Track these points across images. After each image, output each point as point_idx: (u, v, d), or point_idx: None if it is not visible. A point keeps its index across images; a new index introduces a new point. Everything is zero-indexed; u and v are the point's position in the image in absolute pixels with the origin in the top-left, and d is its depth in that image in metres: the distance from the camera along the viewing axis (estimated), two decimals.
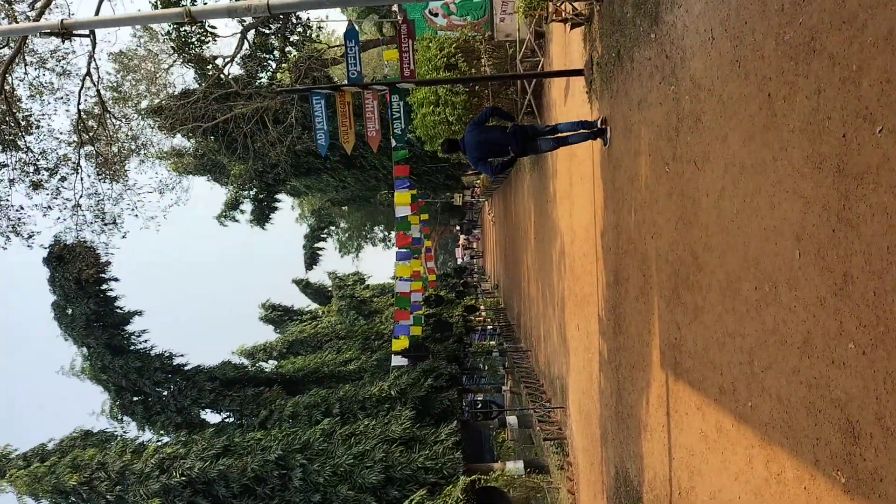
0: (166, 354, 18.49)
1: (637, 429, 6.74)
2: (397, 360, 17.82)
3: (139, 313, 18.56)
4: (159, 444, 15.36)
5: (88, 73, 16.80)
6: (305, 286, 38.22)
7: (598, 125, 7.41)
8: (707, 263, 4.63)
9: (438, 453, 14.46)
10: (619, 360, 7.36)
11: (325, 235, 43.45)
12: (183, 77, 23.54)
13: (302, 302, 38.39)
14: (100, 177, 17.91)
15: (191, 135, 19.39)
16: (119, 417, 18.31)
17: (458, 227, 65.29)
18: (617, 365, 7.45)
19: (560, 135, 7.65)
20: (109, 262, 17.38)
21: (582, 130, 7.57)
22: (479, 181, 38.19)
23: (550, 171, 12.45)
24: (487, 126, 7.57)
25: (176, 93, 19.66)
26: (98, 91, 16.20)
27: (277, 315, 34.50)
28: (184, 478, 13.93)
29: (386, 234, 58.75)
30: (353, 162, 22.30)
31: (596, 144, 8.08)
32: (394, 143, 12.28)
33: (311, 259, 41.20)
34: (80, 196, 16.49)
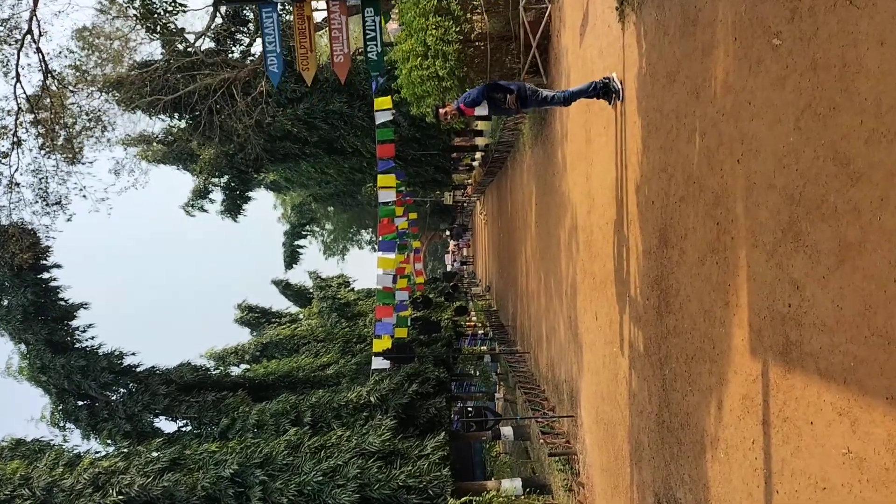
0: (115, 353, 16.30)
1: (697, 444, 4.80)
2: (378, 363, 15.89)
3: (85, 306, 16.38)
4: (97, 456, 13.19)
5: (30, 31, 14.78)
6: (285, 287, 35.96)
7: (605, 80, 6.67)
8: (876, 164, 2.72)
9: (423, 469, 12.44)
10: (665, 350, 5.43)
11: (306, 232, 41.21)
12: (152, 56, 21.72)
13: (282, 304, 36.21)
14: (44, 152, 15.82)
15: (151, 110, 17.41)
16: (61, 424, 16.11)
17: (447, 233, 63.48)
18: (662, 357, 5.52)
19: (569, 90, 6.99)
20: (49, 247, 15.27)
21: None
22: (470, 179, 36.34)
23: (559, 136, 10.58)
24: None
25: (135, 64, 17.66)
26: (39, 49, 14.18)
27: (254, 317, 32.28)
28: (121, 496, 11.81)
29: (373, 236, 56.74)
30: (334, 145, 20.31)
31: (631, 73, 6.22)
32: (373, 89, 10.36)
33: (292, 257, 38.95)
34: (16, 171, 14.42)
